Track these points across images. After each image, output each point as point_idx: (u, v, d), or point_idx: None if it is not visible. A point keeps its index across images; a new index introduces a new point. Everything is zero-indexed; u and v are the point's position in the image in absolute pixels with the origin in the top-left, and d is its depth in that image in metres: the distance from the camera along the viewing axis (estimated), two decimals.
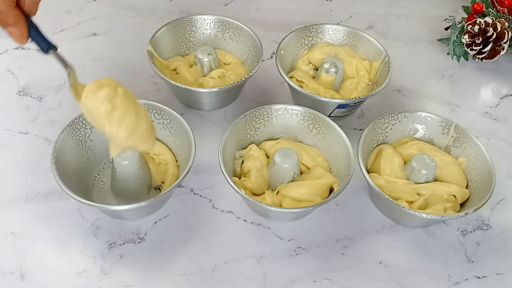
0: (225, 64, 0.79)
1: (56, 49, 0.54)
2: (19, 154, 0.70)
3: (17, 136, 0.72)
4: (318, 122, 0.67)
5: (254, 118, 0.67)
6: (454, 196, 0.64)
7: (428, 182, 0.64)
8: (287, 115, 0.68)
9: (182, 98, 0.76)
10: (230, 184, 0.59)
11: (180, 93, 0.75)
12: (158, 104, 0.66)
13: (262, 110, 0.67)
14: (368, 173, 0.63)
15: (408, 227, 0.65)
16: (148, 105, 0.66)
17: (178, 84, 0.69)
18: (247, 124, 0.67)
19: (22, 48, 0.84)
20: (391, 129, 0.69)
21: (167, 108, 0.66)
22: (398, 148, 0.68)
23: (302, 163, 0.66)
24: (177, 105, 0.76)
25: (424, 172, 0.64)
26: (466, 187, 0.66)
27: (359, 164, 0.62)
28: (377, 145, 0.69)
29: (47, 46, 0.54)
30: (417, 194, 0.64)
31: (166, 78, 0.70)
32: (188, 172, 0.60)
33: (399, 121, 0.69)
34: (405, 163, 0.66)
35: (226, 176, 0.60)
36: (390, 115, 0.68)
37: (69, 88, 0.54)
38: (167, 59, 0.77)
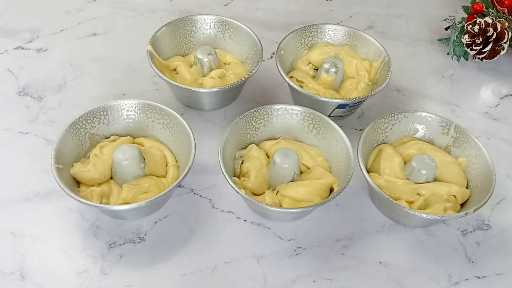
0: (225, 64, 0.79)
1: None
2: (19, 154, 0.70)
3: (17, 136, 0.72)
4: (318, 122, 0.67)
5: (254, 118, 0.67)
6: (454, 196, 0.64)
7: (428, 182, 0.64)
8: (287, 115, 0.68)
9: (182, 98, 0.76)
10: (230, 184, 0.59)
11: (180, 93, 0.75)
12: (158, 104, 0.66)
13: (262, 110, 0.67)
14: (368, 173, 0.63)
15: (408, 227, 0.65)
16: (148, 105, 0.66)
17: (178, 84, 0.69)
18: (247, 124, 0.67)
19: (22, 48, 0.84)
20: (391, 129, 0.69)
21: (167, 108, 0.66)
22: (398, 148, 0.68)
23: (302, 163, 0.66)
24: (177, 105, 0.76)
25: (424, 172, 0.64)
26: (466, 187, 0.66)
27: (359, 164, 0.62)
28: (377, 145, 0.69)
29: None
30: (417, 194, 0.64)
31: (166, 78, 0.70)
32: (188, 172, 0.60)
33: (399, 121, 0.69)
34: (405, 163, 0.66)
35: (226, 176, 0.60)
36: (390, 115, 0.68)
37: None
38: (167, 59, 0.77)
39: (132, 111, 0.67)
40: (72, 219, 0.63)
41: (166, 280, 0.59)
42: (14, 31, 0.87)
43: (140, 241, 0.62)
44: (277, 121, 0.69)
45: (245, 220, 0.64)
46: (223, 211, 0.65)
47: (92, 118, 0.65)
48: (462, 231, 0.65)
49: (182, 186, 0.67)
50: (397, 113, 0.68)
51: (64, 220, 0.63)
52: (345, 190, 0.60)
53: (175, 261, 0.60)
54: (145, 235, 0.62)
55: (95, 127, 0.66)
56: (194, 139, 0.63)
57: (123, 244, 0.61)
